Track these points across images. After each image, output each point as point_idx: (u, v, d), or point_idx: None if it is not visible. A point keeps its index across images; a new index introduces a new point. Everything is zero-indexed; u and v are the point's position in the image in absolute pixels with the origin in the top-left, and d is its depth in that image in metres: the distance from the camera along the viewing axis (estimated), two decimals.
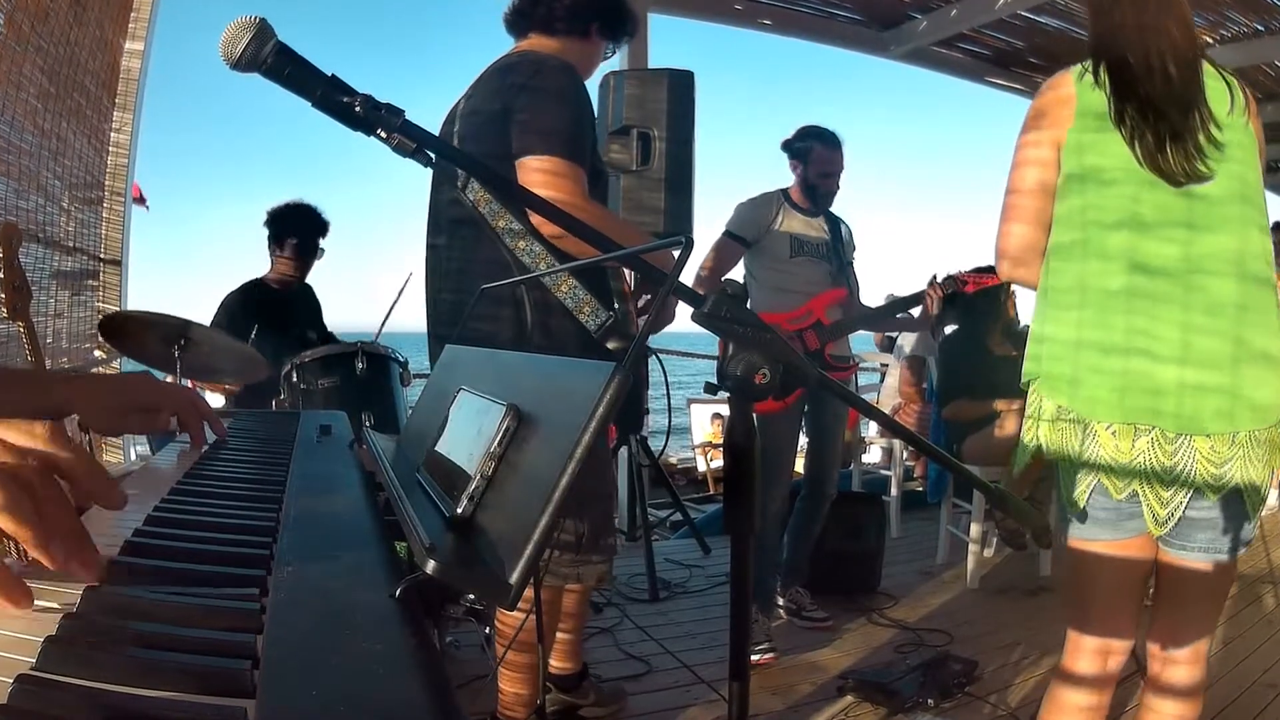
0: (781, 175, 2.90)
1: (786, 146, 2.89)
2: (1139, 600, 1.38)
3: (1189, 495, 1.26)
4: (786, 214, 2.80)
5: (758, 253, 2.78)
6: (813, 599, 2.84)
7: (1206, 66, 1.32)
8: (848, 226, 2.96)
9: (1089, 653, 1.36)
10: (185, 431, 0.90)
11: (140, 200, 4.34)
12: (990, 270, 2.86)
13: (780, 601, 2.83)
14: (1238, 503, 1.26)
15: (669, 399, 3.09)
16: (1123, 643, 1.36)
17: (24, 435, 0.47)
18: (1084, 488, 1.31)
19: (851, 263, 2.96)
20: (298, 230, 3.10)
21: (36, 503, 0.44)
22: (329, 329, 3.27)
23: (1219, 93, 1.31)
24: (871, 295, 3.04)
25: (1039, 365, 1.38)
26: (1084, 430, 1.30)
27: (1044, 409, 1.35)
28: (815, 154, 2.81)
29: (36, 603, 0.45)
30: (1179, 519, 1.27)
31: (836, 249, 2.87)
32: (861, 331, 3.33)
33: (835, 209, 2.89)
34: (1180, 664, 1.34)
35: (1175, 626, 1.35)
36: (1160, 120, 1.27)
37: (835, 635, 2.71)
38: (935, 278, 4.47)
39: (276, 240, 3.09)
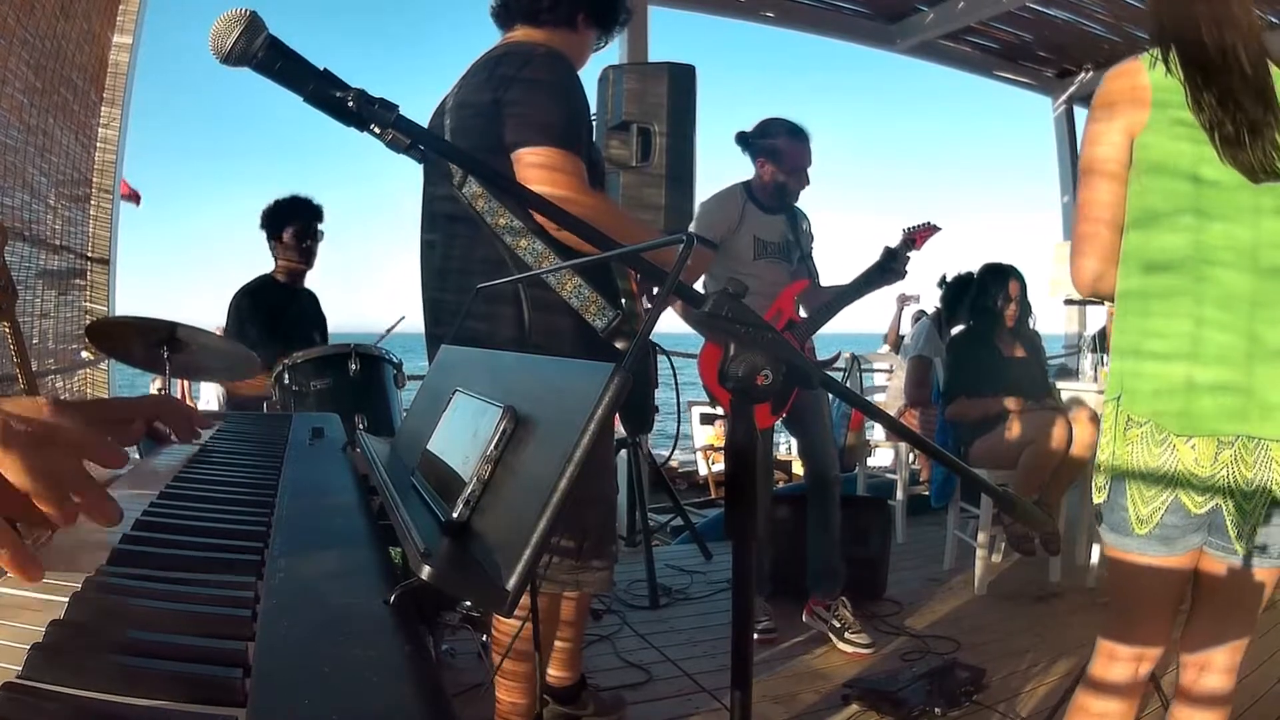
0: None
1: (747, 143, 2.80)
2: (1178, 606, 1.35)
3: (1267, 506, 1.22)
4: (748, 213, 2.76)
5: (719, 254, 2.73)
6: (859, 618, 2.65)
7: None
8: (807, 219, 2.93)
9: (1124, 660, 1.34)
10: (168, 427, 0.88)
11: (133, 196, 4.30)
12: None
13: (822, 614, 2.68)
14: None
15: (678, 401, 3.06)
16: (1156, 650, 1.34)
17: (29, 410, 0.48)
18: (1159, 503, 1.27)
19: (811, 254, 2.92)
20: (294, 217, 3.06)
21: (46, 461, 0.45)
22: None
23: None
24: (875, 295, 3.01)
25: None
26: (1163, 443, 1.26)
27: (1118, 420, 1.32)
28: (786, 150, 2.75)
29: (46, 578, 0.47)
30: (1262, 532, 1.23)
31: (798, 244, 2.84)
32: (863, 332, 3.31)
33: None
34: (1214, 672, 1.32)
35: (1212, 634, 1.33)
36: (1239, 111, 1.22)
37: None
38: (945, 277, 4.48)
39: (275, 234, 3.06)
